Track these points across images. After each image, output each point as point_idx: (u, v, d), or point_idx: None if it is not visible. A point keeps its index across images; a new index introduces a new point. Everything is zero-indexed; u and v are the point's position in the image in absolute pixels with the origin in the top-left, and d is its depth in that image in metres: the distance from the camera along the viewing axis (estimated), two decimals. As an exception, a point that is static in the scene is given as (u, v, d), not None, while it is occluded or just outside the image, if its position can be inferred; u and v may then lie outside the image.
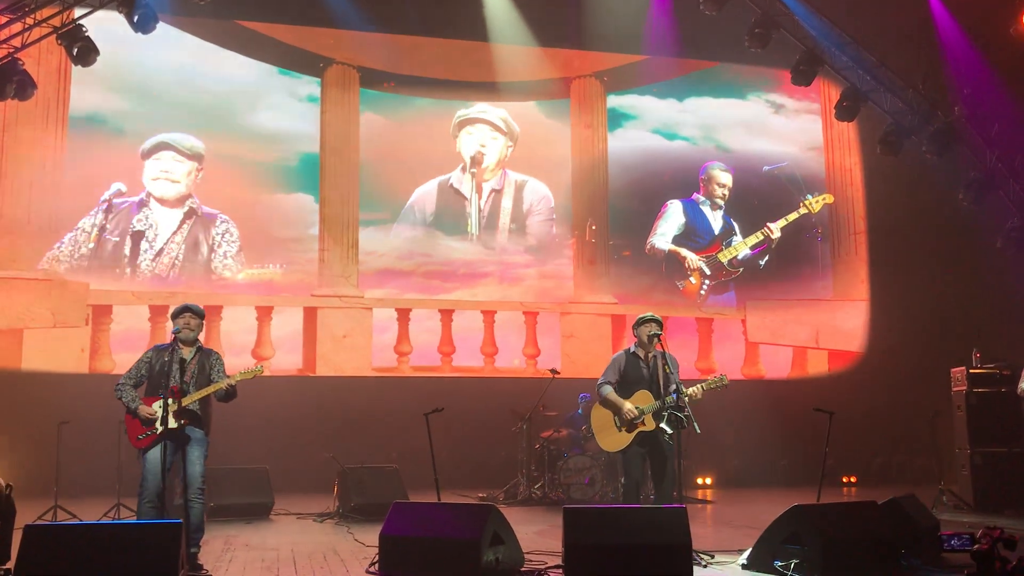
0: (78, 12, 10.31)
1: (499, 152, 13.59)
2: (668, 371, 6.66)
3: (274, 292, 12.38)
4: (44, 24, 10.05)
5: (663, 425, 6.57)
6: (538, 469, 10.44)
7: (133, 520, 6.16)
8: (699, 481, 12.36)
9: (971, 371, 9.87)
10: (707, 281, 13.88)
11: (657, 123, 14.19)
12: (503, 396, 11.49)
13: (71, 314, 11.57)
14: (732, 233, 14.07)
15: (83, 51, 10.06)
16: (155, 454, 5.89)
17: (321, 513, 8.95)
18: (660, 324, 6.81)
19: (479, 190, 13.38)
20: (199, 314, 6.16)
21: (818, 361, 14.09)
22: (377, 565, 5.84)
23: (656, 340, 6.72)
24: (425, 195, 13.23)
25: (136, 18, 9.94)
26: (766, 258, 14.08)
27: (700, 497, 11.36)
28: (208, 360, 6.12)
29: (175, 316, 6.12)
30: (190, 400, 5.90)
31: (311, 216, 12.76)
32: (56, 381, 11.01)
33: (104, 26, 10.46)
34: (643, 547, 5.35)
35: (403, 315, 12.82)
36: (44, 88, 11.13)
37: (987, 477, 9.50)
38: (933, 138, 11.43)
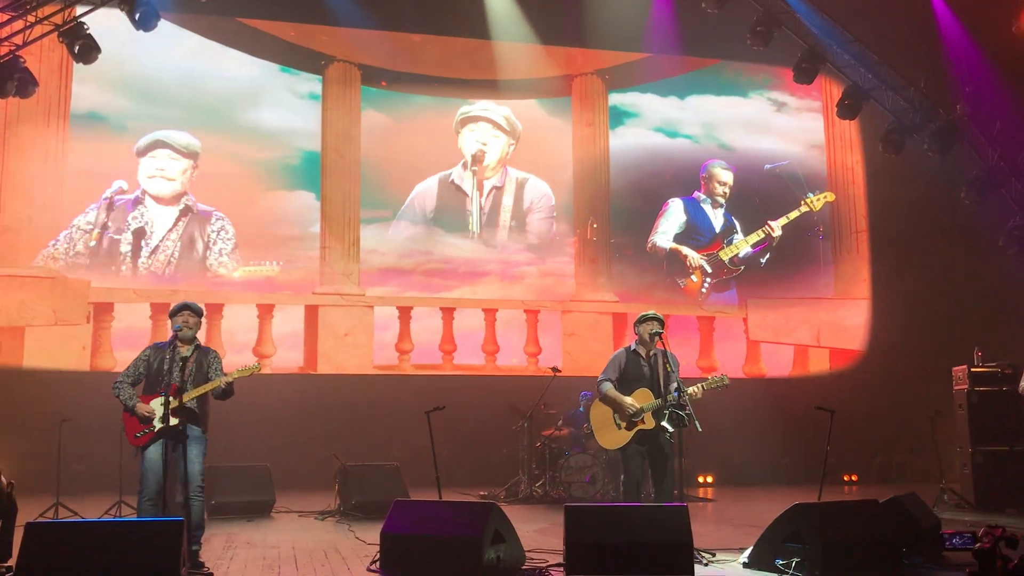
0: (80, 10, 10.32)
1: (500, 150, 13.59)
2: (669, 369, 6.66)
3: (275, 290, 12.38)
4: (46, 22, 10.06)
5: (664, 423, 6.55)
6: (539, 467, 10.44)
7: (134, 518, 6.15)
8: (700, 479, 12.37)
9: (973, 369, 9.86)
10: (708, 279, 13.87)
11: (659, 121, 14.18)
12: (504, 394, 11.49)
13: (72, 312, 11.58)
14: (733, 231, 14.06)
15: (84, 49, 10.07)
16: (153, 452, 5.89)
17: (322, 511, 8.96)
18: (662, 322, 6.80)
19: (480, 187, 13.38)
20: (198, 312, 6.16)
21: (819, 359, 14.09)
22: (378, 563, 5.84)
23: (657, 338, 6.71)
24: (425, 191, 13.23)
25: (138, 16, 9.96)
26: (767, 256, 14.08)
27: (701, 495, 11.36)
28: (206, 358, 6.12)
29: (173, 314, 6.12)
30: (188, 397, 5.89)
31: (312, 214, 12.76)
32: (57, 379, 11.02)
33: (105, 24, 10.49)
34: (644, 545, 5.35)
35: (404, 313, 12.82)
36: (45, 86, 11.14)
37: (988, 476, 9.49)
38: (935, 136, 11.42)
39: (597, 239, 13.62)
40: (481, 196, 13.37)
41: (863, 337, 14.17)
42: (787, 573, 5.54)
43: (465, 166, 13.43)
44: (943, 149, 11.46)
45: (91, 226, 11.85)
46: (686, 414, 6.41)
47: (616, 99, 14.07)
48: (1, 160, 11.67)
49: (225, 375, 6.02)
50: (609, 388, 6.76)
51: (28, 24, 9.99)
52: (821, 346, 14.08)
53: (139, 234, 12.03)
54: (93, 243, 11.83)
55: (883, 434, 13.27)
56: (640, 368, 6.78)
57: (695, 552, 5.70)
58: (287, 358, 12.33)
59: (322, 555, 6.58)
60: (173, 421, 5.84)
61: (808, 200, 14.25)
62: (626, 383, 6.76)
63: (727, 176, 14.14)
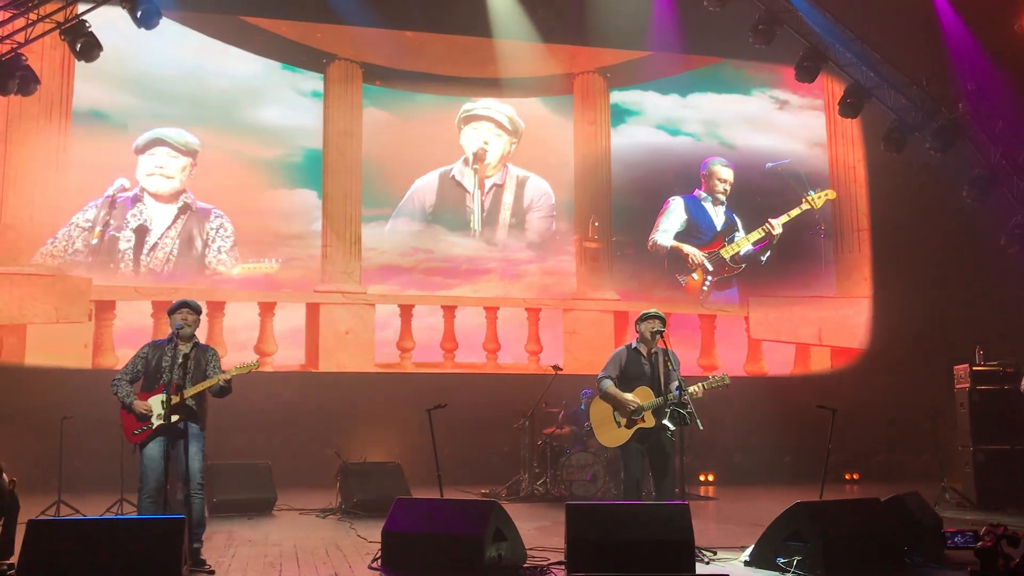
0: (81, 8, 10.34)
1: (502, 149, 13.58)
2: (670, 368, 6.65)
3: (277, 288, 12.39)
4: (48, 20, 10.07)
5: (666, 422, 6.55)
6: (540, 465, 10.44)
7: (136, 515, 6.16)
8: (701, 478, 12.38)
9: (974, 368, 9.86)
10: (709, 277, 13.87)
11: (660, 119, 14.17)
12: (506, 392, 11.51)
13: (74, 310, 11.59)
14: (735, 229, 14.05)
15: (86, 47, 10.08)
16: (152, 449, 5.91)
17: (324, 509, 8.96)
18: (663, 321, 6.80)
19: (481, 185, 13.38)
20: (197, 310, 6.16)
21: (821, 358, 14.07)
22: (380, 561, 5.84)
23: (659, 337, 6.71)
24: (425, 186, 13.22)
25: (139, 14, 9.97)
26: (767, 254, 14.07)
27: (702, 494, 11.37)
28: (204, 356, 6.13)
29: (172, 312, 6.13)
30: (187, 395, 5.90)
31: (314, 212, 12.76)
32: (59, 376, 11.02)
33: (107, 22, 10.49)
34: (646, 543, 5.35)
35: (406, 311, 12.83)
36: (47, 84, 11.15)
37: (990, 474, 9.48)
38: (937, 135, 11.41)
39: (598, 237, 13.61)
40: (482, 194, 13.37)
41: (864, 335, 14.16)
42: (788, 572, 5.55)
43: (466, 162, 13.42)
44: (945, 147, 11.45)
45: (89, 224, 11.85)
46: (688, 412, 6.41)
47: (618, 97, 14.06)
48: (3, 158, 11.67)
49: (223, 373, 6.02)
50: (609, 385, 6.75)
51: (30, 22, 10.00)
52: (822, 344, 14.07)
53: (140, 232, 12.03)
54: (95, 241, 11.83)
55: (884, 433, 13.27)
56: (641, 366, 6.78)
57: (696, 550, 5.69)
58: (288, 356, 12.33)
59: (323, 553, 6.58)
60: (174, 418, 5.85)
61: (809, 198, 14.24)
62: (626, 381, 6.76)
63: (727, 173, 14.13)
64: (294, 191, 12.79)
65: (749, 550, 6.06)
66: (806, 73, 11.65)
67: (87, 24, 10.07)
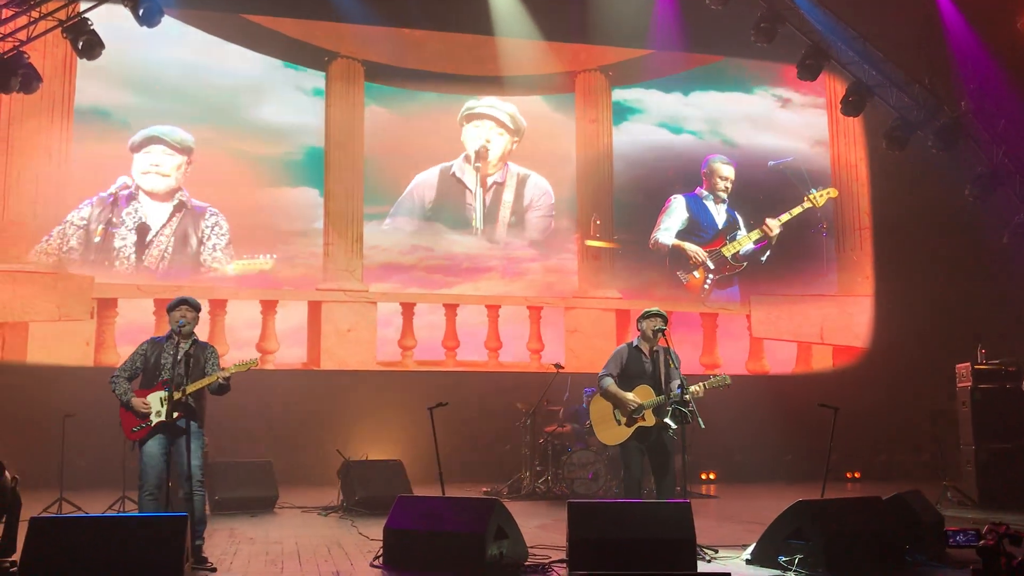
0: (83, 5, 10.34)
1: (503, 147, 13.57)
2: (673, 366, 6.65)
3: (278, 286, 12.39)
4: (50, 17, 10.07)
5: (668, 420, 6.55)
6: (542, 464, 10.44)
7: (138, 513, 6.17)
8: (703, 476, 12.37)
9: (976, 367, 9.85)
10: (711, 276, 13.86)
11: (662, 117, 14.16)
12: (507, 391, 11.50)
13: (76, 307, 11.59)
14: (736, 227, 14.05)
15: (88, 44, 10.08)
16: (152, 447, 5.91)
17: (325, 506, 8.97)
18: (665, 319, 6.80)
19: (483, 183, 13.37)
20: (196, 307, 6.16)
21: (822, 357, 14.07)
22: (381, 559, 5.85)
23: (660, 335, 6.71)
24: (425, 182, 13.20)
25: (141, 12, 9.96)
26: (767, 254, 14.06)
27: (704, 492, 11.37)
28: (203, 353, 6.14)
29: (171, 309, 6.13)
30: (188, 391, 5.90)
31: (315, 210, 12.76)
32: (61, 374, 11.03)
33: (109, 20, 10.49)
34: (647, 542, 5.35)
35: (407, 309, 12.83)
36: (49, 81, 11.14)
37: (992, 473, 9.49)
38: (939, 133, 11.40)
39: (600, 235, 13.60)
40: (484, 192, 13.36)
41: (866, 334, 14.16)
42: (790, 570, 5.55)
43: (467, 159, 13.42)
44: (947, 146, 11.43)
45: (85, 221, 11.84)
46: (689, 411, 6.41)
47: (620, 95, 14.05)
48: (5, 156, 11.67)
49: (222, 370, 6.02)
50: (610, 383, 6.75)
51: (32, 20, 10.00)
52: (824, 343, 14.07)
53: (141, 230, 12.03)
54: (97, 239, 11.84)
55: (886, 431, 13.26)
56: (642, 364, 6.78)
57: (698, 549, 5.69)
58: (290, 354, 12.34)
59: (325, 551, 6.59)
60: (173, 415, 5.86)
61: (811, 196, 14.23)
62: (627, 379, 6.76)
63: (728, 171, 14.11)
64: (296, 189, 12.78)
65: (751, 548, 6.06)
66: (808, 71, 11.64)
67: (89, 22, 10.07)
